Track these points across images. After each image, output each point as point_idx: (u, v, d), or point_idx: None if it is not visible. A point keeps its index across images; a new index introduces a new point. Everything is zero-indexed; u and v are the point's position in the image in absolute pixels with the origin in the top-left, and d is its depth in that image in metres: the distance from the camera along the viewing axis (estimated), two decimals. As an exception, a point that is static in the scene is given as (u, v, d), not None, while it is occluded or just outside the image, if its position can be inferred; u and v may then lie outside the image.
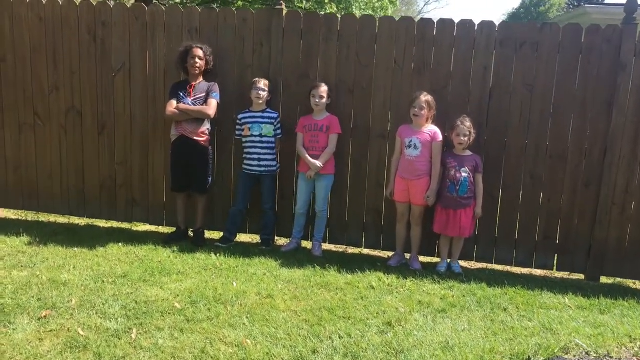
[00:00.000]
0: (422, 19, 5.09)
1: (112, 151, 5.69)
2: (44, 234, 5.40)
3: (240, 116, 5.30)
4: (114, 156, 5.69)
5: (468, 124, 4.74)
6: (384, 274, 4.78)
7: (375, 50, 5.16)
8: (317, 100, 5.07)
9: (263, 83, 5.18)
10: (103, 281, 4.32)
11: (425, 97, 4.81)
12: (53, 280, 4.26)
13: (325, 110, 5.18)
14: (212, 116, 5.16)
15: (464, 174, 4.77)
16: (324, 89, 5.07)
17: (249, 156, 5.27)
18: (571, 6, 48.74)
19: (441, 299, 4.32)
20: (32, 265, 4.59)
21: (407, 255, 5.22)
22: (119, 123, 5.61)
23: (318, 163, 5.08)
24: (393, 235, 5.27)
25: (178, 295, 4.11)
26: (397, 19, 5.15)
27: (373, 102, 5.23)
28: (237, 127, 5.34)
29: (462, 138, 4.75)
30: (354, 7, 17.63)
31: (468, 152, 4.86)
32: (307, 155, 5.13)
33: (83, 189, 5.81)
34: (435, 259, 5.31)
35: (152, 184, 5.69)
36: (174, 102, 5.16)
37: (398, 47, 5.11)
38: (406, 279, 4.71)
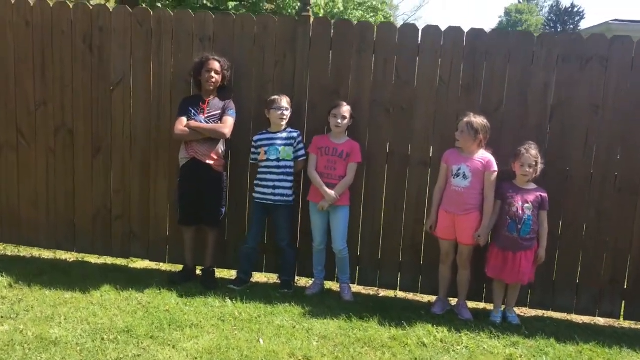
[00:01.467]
0: (473, 28, 4.43)
1: (108, 177, 4.93)
2: (27, 274, 4.61)
3: (256, 138, 4.60)
4: (110, 182, 4.94)
5: (534, 152, 4.09)
6: (432, 325, 4.08)
7: (417, 64, 4.49)
8: (340, 121, 4.39)
9: (286, 101, 4.47)
10: (102, 338, 3.57)
11: (475, 120, 4.14)
12: (41, 338, 3.51)
13: (345, 134, 4.49)
14: (228, 136, 4.45)
15: (527, 212, 4.10)
16: (346, 108, 4.41)
17: (262, 183, 4.56)
18: (547, 27, 49.03)
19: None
20: (14, 316, 3.81)
21: (451, 300, 4.51)
22: (116, 144, 4.86)
23: (333, 194, 4.39)
24: (433, 276, 4.58)
25: (196, 358, 3.35)
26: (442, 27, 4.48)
27: (413, 125, 4.55)
28: (253, 150, 4.63)
29: (527, 169, 4.09)
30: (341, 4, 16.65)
31: (532, 185, 4.20)
32: (321, 183, 4.43)
33: (73, 220, 5.03)
34: (482, 305, 4.62)
35: (153, 215, 4.93)
36: (184, 120, 4.44)
37: (444, 61, 4.46)
38: (459, 332, 4.01)
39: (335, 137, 4.48)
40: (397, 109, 4.56)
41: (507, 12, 59.05)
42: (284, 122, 4.51)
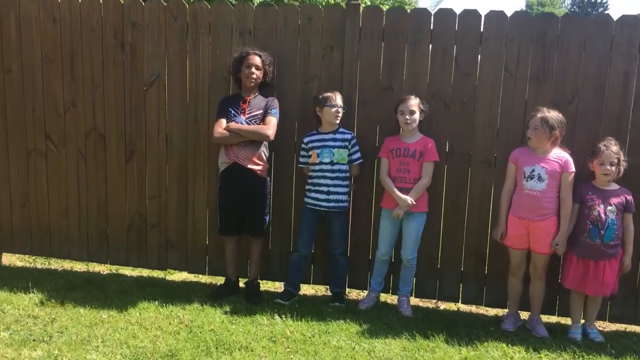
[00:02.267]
0: (544, 13, 3.98)
1: (142, 183, 4.59)
2: (59, 289, 4.29)
3: (307, 139, 4.21)
4: (144, 189, 4.59)
5: (615, 148, 3.65)
6: (507, 344, 3.66)
7: (480, 54, 4.06)
8: (408, 117, 3.97)
9: (340, 97, 4.09)
10: (144, 365, 3.19)
11: (550, 114, 3.71)
12: (77, 365, 3.14)
13: (418, 131, 4.07)
14: (272, 138, 4.07)
15: (610, 215, 3.65)
16: (414, 102, 3.98)
17: (315, 188, 4.18)
18: (574, 7, 47.82)
19: (601, 386, 3.18)
20: (47, 339, 3.48)
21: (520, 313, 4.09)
22: (151, 148, 4.51)
23: (409, 199, 3.98)
24: (500, 287, 4.17)
25: (250, 390, 2.98)
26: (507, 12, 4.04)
27: (476, 121, 4.13)
28: (302, 152, 4.25)
29: (608, 167, 3.64)
30: None
31: (614, 185, 3.75)
32: (394, 189, 4.03)
33: (106, 230, 4.70)
34: (554, 318, 4.18)
35: (191, 223, 4.58)
36: (223, 122, 4.07)
37: (510, 50, 4.03)
38: (538, 352, 3.59)
39: (406, 136, 4.09)
40: (457, 103, 4.15)
41: (529, 5, 57.93)
42: (339, 121, 4.11)
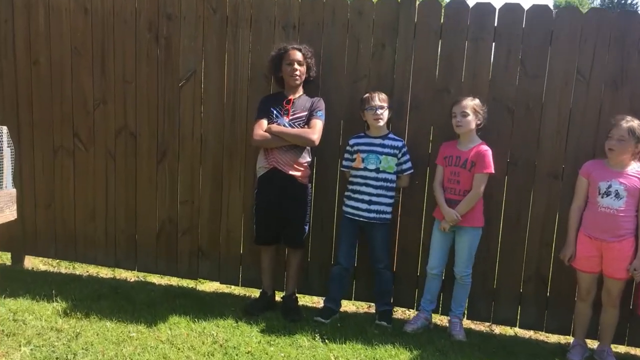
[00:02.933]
0: (624, 10, 3.58)
1: (174, 186, 4.28)
2: (84, 297, 4.01)
3: (352, 141, 3.87)
4: (176, 192, 4.29)
5: None
6: (577, 380, 3.24)
7: (549, 55, 3.67)
8: (459, 119, 3.61)
9: (379, 98, 3.74)
10: (176, 393, 2.87)
11: (635, 124, 3.31)
12: (103, 391, 2.83)
13: (476, 136, 3.69)
14: (317, 143, 3.74)
15: (699, 238, 3.23)
16: (468, 102, 3.62)
17: (355, 195, 3.84)
18: (603, 7, 46.69)
19: None
20: (72, 358, 3.16)
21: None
22: (185, 149, 4.21)
23: (454, 213, 3.62)
24: (563, 312, 3.79)
25: None
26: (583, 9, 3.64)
27: (542, 128, 3.75)
28: (347, 155, 3.93)
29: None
30: None
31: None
32: (442, 200, 3.69)
33: (134, 235, 4.41)
34: (624, 348, 3.78)
35: (225, 230, 4.26)
36: (264, 123, 3.74)
37: (584, 51, 3.63)
38: (614, 391, 3.17)
39: (462, 142, 3.73)
40: (522, 108, 3.76)
41: (557, 5, 56.78)
42: (382, 123, 3.77)
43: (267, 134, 3.72)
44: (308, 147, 3.83)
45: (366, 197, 3.80)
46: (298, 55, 3.76)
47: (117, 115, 4.29)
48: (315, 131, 3.72)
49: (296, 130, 3.73)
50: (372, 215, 3.80)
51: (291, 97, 3.82)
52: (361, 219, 3.83)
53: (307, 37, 3.95)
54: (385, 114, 3.76)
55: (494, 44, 3.76)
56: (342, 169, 3.98)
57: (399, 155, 3.80)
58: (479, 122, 3.64)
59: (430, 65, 3.87)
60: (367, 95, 3.79)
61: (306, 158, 3.84)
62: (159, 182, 4.31)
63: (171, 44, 4.14)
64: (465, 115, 3.60)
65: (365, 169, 3.80)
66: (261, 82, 4.05)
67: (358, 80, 3.96)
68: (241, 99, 4.10)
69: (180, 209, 4.32)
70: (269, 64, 3.86)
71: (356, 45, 3.93)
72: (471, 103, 3.62)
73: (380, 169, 3.78)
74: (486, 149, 3.66)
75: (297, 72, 3.75)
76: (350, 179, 3.88)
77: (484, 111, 3.65)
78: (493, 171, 3.65)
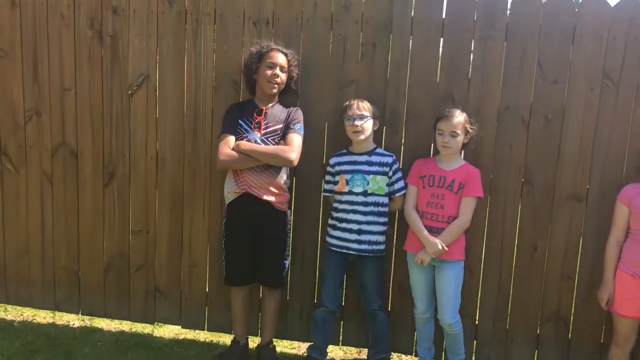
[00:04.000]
0: (662, 4, 3.02)
1: (125, 213, 3.58)
2: (14, 354, 3.28)
3: (333, 160, 3.26)
4: (127, 221, 3.58)
5: None
6: None
7: (571, 56, 3.10)
8: (447, 140, 3.02)
9: (358, 106, 3.12)
10: None
11: None
12: None
13: (460, 156, 3.10)
14: (295, 163, 3.08)
15: None
16: (458, 119, 3.04)
17: (341, 224, 3.20)
18: None
19: None
20: None
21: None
22: (137, 169, 3.51)
23: (439, 242, 3.02)
24: (587, 355, 3.20)
25: None
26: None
27: (563, 142, 3.18)
28: (328, 177, 3.30)
29: None
30: None
31: None
32: (421, 226, 3.06)
33: (78, 272, 3.70)
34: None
35: (187, 265, 3.59)
36: (231, 139, 3.09)
37: (612, 51, 3.07)
38: None
39: (444, 161, 3.13)
40: (539, 119, 3.19)
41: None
42: (362, 137, 3.14)
43: (235, 153, 3.06)
44: (286, 167, 3.17)
45: (354, 226, 3.16)
46: (282, 60, 3.12)
47: (53, 130, 3.56)
48: (293, 148, 3.06)
49: (270, 148, 3.07)
50: (362, 247, 3.17)
51: (264, 107, 3.16)
52: (350, 252, 3.20)
53: (283, 34, 3.31)
54: (367, 126, 3.14)
55: (505, 42, 3.18)
56: (324, 194, 3.34)
57: (390, 173, 3.19)
58: (466, 140, 3.06)
59: (431, 68, 3.27)
60: (347, 102, 3.17)
61: (284, 179, 3.18)
62: (106, 209, 3.59)
63: (118, 44, 3.43)
64: (454, 135, 3.02)
65: (350, 192, 3.17)
66: (228, 89, 3.39)
67: (344, 86, 3.33)
68: (204, 110, 3.42)
69: (132, 240, 3.61)
70: (244, 62, 3.22)
71: (342, 45, 3.31)
72: (462, 120, 3.04)
73: (369, 192, 3.15)
74: (476, 170, 3.12)
75: (278, 79, 3.12)
76: (335, 204, 3.25)
77: (475, 128, 3.06)
78: (482, 195, 3.07)
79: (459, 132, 3.02)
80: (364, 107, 3.13)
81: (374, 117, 3.16)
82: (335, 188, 3.24)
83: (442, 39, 3.25)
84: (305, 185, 3.42)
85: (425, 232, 3.05)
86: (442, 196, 3.06)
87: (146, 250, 3.62)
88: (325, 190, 3.33)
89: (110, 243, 3.64)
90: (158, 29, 3.40)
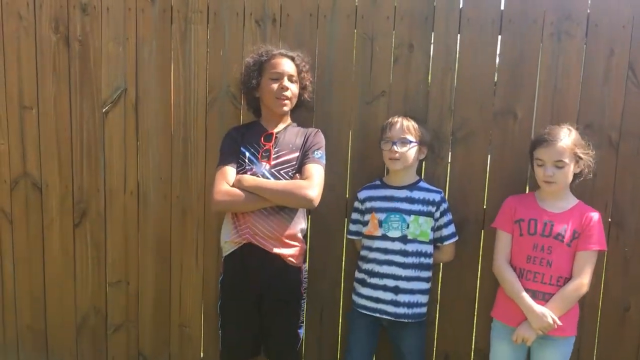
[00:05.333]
0: None
1: (100, 260, 2.89)
2: None
3: (363, 194, 2.54)
4: (104, 270, 2.87)
5: None
6: None
7: (677, 56, 2.31)
8: (551, 173, 2.23)
9: (402, 126, 2.40)
10: None
11: None
12: None
13: (570, 193, 2.30)
14: (316, 202, 2.32)
15: None
16: (565, 144, 2.25)
17: (372, 280, 2.45)
18: None
19: None
20: None
21: None
22: (114, 207, 2.82)
23: (549, 314, 2.23)
24: None
25: None
26: None
27: (666, 171, 2.37)
28: (355, 214, 2.58)
29: None
30: None
31: None
32: (523, 293, 2.26)
33: (44, 331, 2.99)
34: None
35: (177, 325, 2.87)
36: (231, 173, 2.37)
37: None
38: None
39: (549, 200, 2.35)
40: (632, 140, 2.42)
41: None
42: (399, 166, 2.41)
43: (235, 191, 2.32)
44: (303, 210, 2.43)
45: (390, 282, 2.41)
46: (288, 67, 2.40)
47: (12, 158, 2.88)
48: (313, 183, 2.31)
49: (282, 184, 2.33)
50: (401, 310, 2.42)
51: (273, 130, 2.42)
52: (384, 316, 2.44)
53: (294, 35, 2.60)
54: (410, 153, 2.39)
55: (586, 40, 2.41)
56: (349, 236, 2.59)
57: (437, 214, 2.45)
58: (579, 170, 2.28)
59: (485, 75, 2.52)
60: (387, 121, 2.44)
61: (300, 224, 2.44)
62: (77, 255, 2.90)
63: (89, 50, 2.74)
64: (561, 165, 2.24)
65: (385, 237, 2.43)
66: (226, 105, 2.68)
67: (372, 100, 2.60)
68: (196, 132, 2.71)
69: (110, 293, 2.91)
70: (241, 77, 2.48)
71: (369, 47, 2.58)
72: (570, 143, 2.25)
73: (409, 237, 2.41)
74: (596, 212, 2.31)
75: (287, 93, 2.39)
76: (363, 252, 2.50)
77: (590, 152, 2.28)
78: (605, 247, 2.27)
79: (567, 160, 2.24)
80: (409, 129, 2.40)
81: (421, 142, 2.42)
82: (365, 230, 2.49)
83: (500, 37, 2.49)
84: (323, 225, 2.69)
85: (529, 300, 2.26)
86: (550, 249, 2.27)
87: (126, 306, 2.91)
88: (351, 232, 2.60)
89: (83, 297, 2.94)
90: (137, 30, 2.71)
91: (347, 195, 2.67)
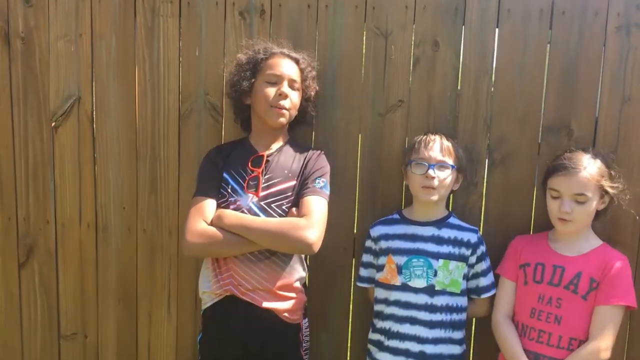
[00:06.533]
0: None
1: (51, 307, 2.35)
2: None
3: (377, 230, 2.01)
4: (55, 320, 2.33)
5: None
6: None
7: None
8: (568, 209, 1.75)
9: (443, 147, 1.89)
10: None
11: None
12: None
13: (592, 232, 1.79)
14: (317, 247, 1.78)
15: None
16: (589, 174, 1.76)
17: (390, 342, 1.92)
18: None
19: None
20: None
21: None
22: (67, 242, 2.31)
23: None
24: None
25: None
26: None
27: None
28: (366, 256, 2.05)
29: None
30: None
31: None
32: (520, 355, 1.80)
33: (-16, 395, 2.43)
34: None
35: (146, 388, 2.28)
36: (209, 207, 1.86)
37: None
38: None
39: (564, 241, 1.86)
40: None
41: None
42: (435, 197, 1.85)
43: (214, 231, 1.80)
44: (301, 256, 1.89)
45: (414, 346, 1.89)
46: (291, 70, 1.89)
47: (-59, 183, 2.31)
48: (313, 222, 1.78)
49: (275, 224, 1.80)
50: (424, 373, 1.87)
51: (264, 152, 1.88)
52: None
53: (287, 31, 2.07)
54: (447, 182, 1.85)
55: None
56: (359, 283, 2.06)
57: (472, 259, 1.92)
58: (602, 206, 1.76)
59: (531, 80, 1.98)
60: (419, 138, 1.92)
61: (299, 273, 1.92)
62: (24, 302, 2.37)
63: (34, 50, 2.21)
64: (582, 200, 1.75)
65: (405, 287, 1.90)
66: (203, 117, 2.15)
67: (387, 111, 2.07)
68: (167, 150, 2.18)
69: (64, 348, 2.38)
70: (229, 78, 1.95)
71: (383, 45, 2.04)
72: (594, 173, 1.76)
73: (437, 288, 1.88)
74: (622, 257, 1.81)
75: (286, 102, 1.86)
76: (378, 307, 1.98)
77: (619, 186, 1.76)
78: (635, 305, 1.73)
79: (590, 194, 1.74)
80: (449, 151, 1.89)
81: (459, 168, 1.88)
82: (379, 276, 1.97)
83: (550, 32, 1.95)
84: (325, 269, 2.14)
85: None
86: (559, 301, 1.79)
87: (84, 364, 2.35)
88: (362, 279, 2.07)
89: (31, 353, 2.40)
90: (93, 25, 2.17)
91: (354, 231, 2.13)
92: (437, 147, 1.87)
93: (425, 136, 1.91)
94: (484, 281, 1.94)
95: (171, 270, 2.26)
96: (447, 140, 1.90)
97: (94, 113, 2.21)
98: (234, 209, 1.83)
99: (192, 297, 2.23)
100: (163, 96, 2.16)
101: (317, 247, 1.75)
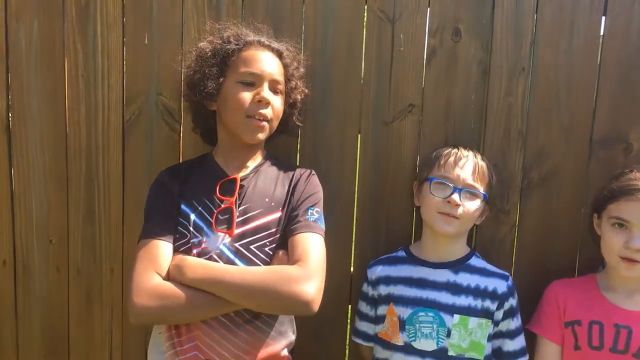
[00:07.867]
0: None
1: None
2: None
3: (374, 272, 1.56)
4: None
5: None
6: None
7: None
8: (638, 245, 1.32)
9: (476, 167, 1.45)
10: None
11: None
12: None
13: None
14: (316, 305, 1.27)
15: None
16: None
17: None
18: None
19: None
20: None
21: None
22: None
23: None
24: None
25: None
26: None
27: None
28: (363, 305, 1.58)
29: None
30: None
31: None
32: None
33: None
34: None
35: None
36: (164, 252, 1.33)
37: None
38: None
39: (626, 289, 1.44)
40: None
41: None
42: (453, 230, 1.42)
43: (171, 289, 1.29)
44: (291, 317, 1.41)
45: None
46: (272, 66, 1.41)
47: None
48: (310, 270, 1.28)
49: (258, 275, 1.30)
50: None
51: (236, 173, 1.38)
52: None
53: (264, 13, 1.58)
54: (474, 214, 1.43)
55: None
56: (355, 338, 1.61)
57: (498, 314, 1.48)
58: None
59: (579, 81, 1.56)
60: (445, 151, 1.49)
61: (287, 337, 1.43)
62: None
63: None
64: None
65: (409, 348, 1.46)
66: (155, 124, 1.67)
67: (395, 118, 1.62)
68: (107, 168, 1.67)
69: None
70: (191, 74, 1.44)
71: (389, 34, 1.58)
72: None
73: (451, 353, 1.44)
74: None
75: (267, 111, 1.38)
76: (379, 365, 1.51)
77: None
78: None
79: None
80: (482, 174, 1.46)
81: (489, 199, 1.43)
82: (379, 330, 1.53)
83: (603, 20, 1.52)
84: (314, 322, 1.65)
85: None
86: None
87: None
88: (358, 333, 1.61)
89: None
90: (8, 5, 1.63)
91: (351, 269, 1.67)
92: (470, 168, 1.43)
93: (455, 149, 1.47)
94: (510, 345, 1.49)
95: (113, 320, 1.75)
96: (482, 160, 1.46)
97: (10, 118, 1.68)
98: (199, 255, 1.33)
99: (142, 354, 1.73)
100: (102, 96, 1.65)
101: (316, 306, 1.27)
